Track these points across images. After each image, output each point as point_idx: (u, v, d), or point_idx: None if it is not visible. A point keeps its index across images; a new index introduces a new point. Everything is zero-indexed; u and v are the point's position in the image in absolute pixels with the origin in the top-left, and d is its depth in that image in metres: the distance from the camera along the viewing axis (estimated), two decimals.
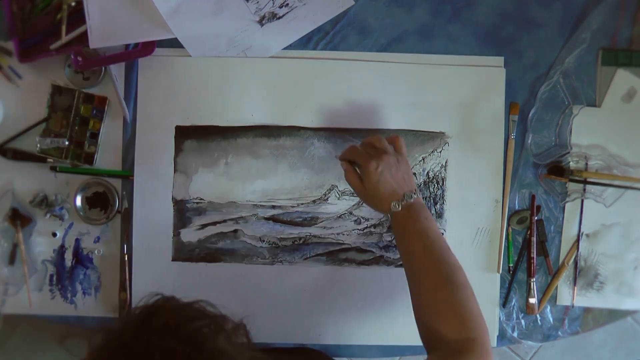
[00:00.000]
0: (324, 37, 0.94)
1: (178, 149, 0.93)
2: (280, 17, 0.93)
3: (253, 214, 0.94)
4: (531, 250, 0.94)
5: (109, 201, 0.93)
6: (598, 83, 0.94)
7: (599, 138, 0.94)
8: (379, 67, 0.94)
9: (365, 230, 0.94)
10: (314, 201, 0.94)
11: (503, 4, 0.95)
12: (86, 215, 0.93)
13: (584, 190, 0.93)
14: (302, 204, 0.94)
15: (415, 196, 0.80)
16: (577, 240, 0.94)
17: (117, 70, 0.91)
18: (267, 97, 0.93)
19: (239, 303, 0.93)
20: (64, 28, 0.89)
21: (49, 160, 0.92)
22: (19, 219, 0.92)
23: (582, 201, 0.94)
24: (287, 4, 0.93)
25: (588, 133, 0.94)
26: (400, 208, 0.80)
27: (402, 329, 0.94)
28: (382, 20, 0.94)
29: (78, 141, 0.93)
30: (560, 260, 0.95)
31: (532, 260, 0.94)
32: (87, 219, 0.93)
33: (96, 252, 0.93)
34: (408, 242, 0.79)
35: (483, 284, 0.94)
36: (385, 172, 0.80)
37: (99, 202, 0.93)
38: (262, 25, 0.93)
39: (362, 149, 0.84)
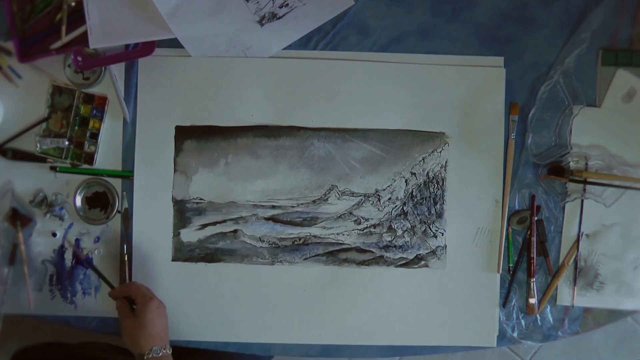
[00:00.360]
0: (324, 37, 0.94)
1: (178, 149, 0.93)
2: (280, 17, 0.93)
3: (253, 214, 0.94)
4: (531, 250, 0.94)
5: (109, 201, 0.93)
6: (598, 83, 0.94)
7: (599, 138, 0.94)
8: (379, 67, 0.94)
9: (365, 230, 0.94)
10: (314, 201, 0.94)
11: (503, 4, 0.95)
12: (86, 215, 0.93)
13: (584, 190, 0.93)
14: (302, 204, 0.94)
15: (167, 351, 0.84)
16: (577, 240, 0.94)
17: (117, 70, 0.91)
18: (267, 97, 0.93)
19: (239, 303, 0.94)
20: (64, 28, 0.89)
21: (49, 160, 0.92)
22: (19, 219, 0.92)
23: (582, 201, 0.94)
24: (287, 4, 0.93)
25: (588, 133, 0.94)
26: (160, 354, 0.82)
27: (402, 329, 0.94)
28: (382, 20, 0.94)
29: (78, 141, 0.93)
30: (560, 260, 0.95)
31: (532, 260, 0.94)
32: (87, 219, 0.93)
33: (96, 252, 0.93)
34: None
35: (483, 284, 0.94)
36: (162, 315, 0.84)
37: (99, 202, 0.93)
38: (262, 25, 0.93)
39: (141, 288, 0.87)
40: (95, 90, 0.93)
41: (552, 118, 0.94)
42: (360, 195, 0.94)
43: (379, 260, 0.94)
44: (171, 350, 0.85)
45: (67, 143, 0.92)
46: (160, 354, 0.82)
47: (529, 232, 0.94)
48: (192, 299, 0.93)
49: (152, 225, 0.93)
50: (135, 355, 0.83)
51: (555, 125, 0.94)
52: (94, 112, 0.93)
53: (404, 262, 0.94)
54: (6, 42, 0.92)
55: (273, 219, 0.94)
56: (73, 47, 0.89)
